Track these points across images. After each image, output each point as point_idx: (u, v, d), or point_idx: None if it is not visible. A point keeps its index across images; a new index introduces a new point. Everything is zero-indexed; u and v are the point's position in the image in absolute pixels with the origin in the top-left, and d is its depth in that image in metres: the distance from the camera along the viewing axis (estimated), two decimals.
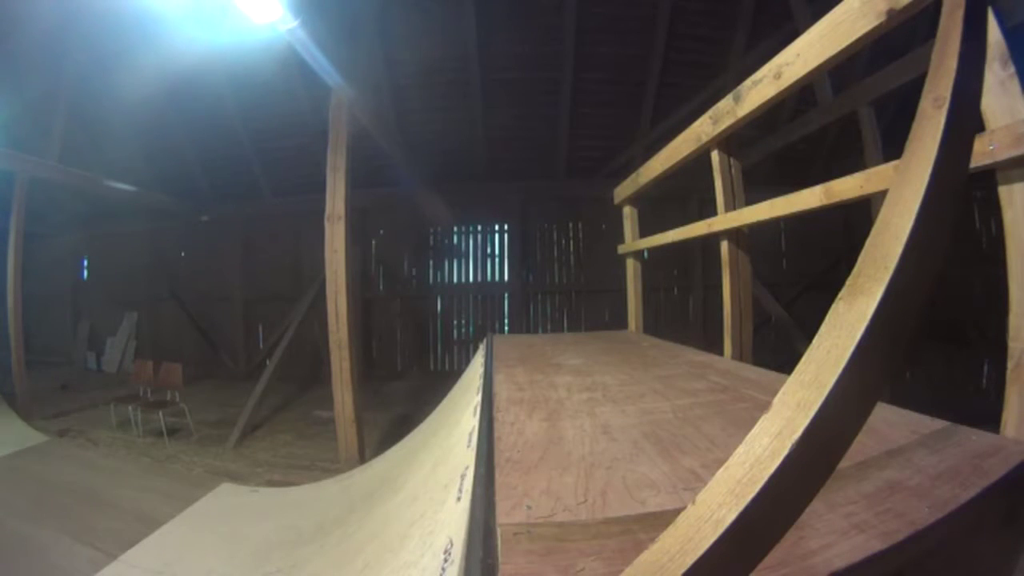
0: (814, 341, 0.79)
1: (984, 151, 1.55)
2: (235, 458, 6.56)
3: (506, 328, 10.65)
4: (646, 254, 5.78)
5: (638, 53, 8.87)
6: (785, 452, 0.68)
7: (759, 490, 0.67)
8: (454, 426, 2.98)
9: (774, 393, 0.78)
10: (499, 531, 1.17)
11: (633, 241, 5.40)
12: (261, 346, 11.29)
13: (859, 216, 5.84)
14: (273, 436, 7.37)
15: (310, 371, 10.00)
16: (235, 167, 10.51)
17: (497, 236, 10.81)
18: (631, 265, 5.55)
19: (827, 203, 2.49)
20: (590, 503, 1.29)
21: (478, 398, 2.54)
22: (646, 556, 0.76)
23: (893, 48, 6.00)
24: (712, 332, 8.95)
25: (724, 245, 3.56)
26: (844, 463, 0.78)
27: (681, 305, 10.75)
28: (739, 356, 3.51)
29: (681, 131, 3.86)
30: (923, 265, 0.80)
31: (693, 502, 0.75)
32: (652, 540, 0.77)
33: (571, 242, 10.86)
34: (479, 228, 10.86)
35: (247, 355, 11.37)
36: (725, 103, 3.14)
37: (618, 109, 9.63)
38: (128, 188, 9.77)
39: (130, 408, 7.41)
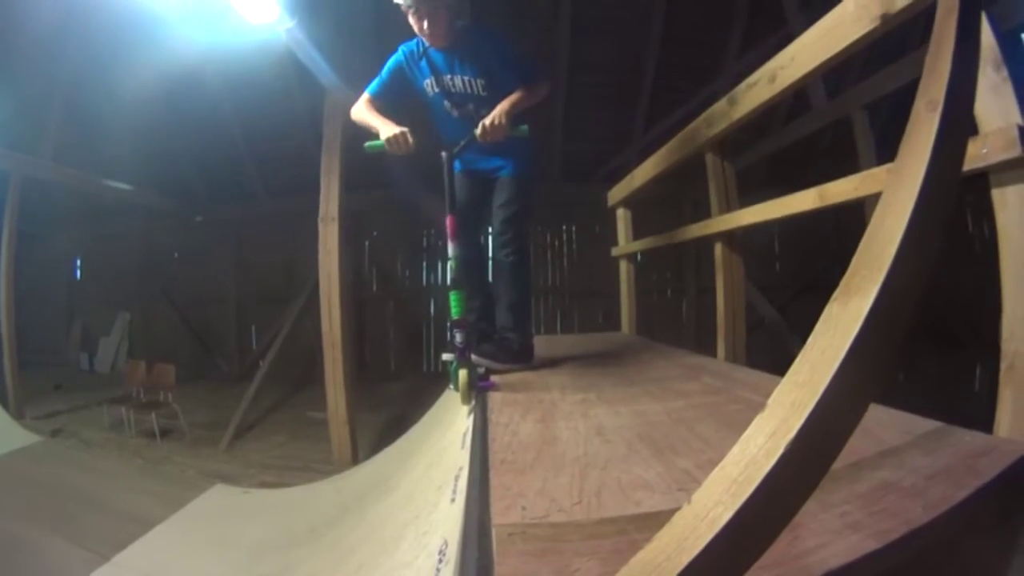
0: (808, 341, 0.80)
1: (977, 154, 1.55)
2: (228, 459, 6.54)
3: None
4: (639, 257, 5.79)
5: (633, 56, 8.88)
6: (780, 451, 0.69)
7: (754, 489, 0.68)
8: (448, 427, 2.98)
9: (767, 394, 0.79)
10: (494, 532, 1.17)
11: (627, 243, 5.41)
12: (254, 347, 11.24)
13: (852, 220, 5.87)
14: (266, 437, 7.35)
15: (303, 372, 9.94)
16: (230, 168, 10.46)
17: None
18: (625, 267, 5.55)
19: (821, 206, 2.50)
20: (585, 504, 1.29)
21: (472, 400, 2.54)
22: (642, 555, 0.76)
23: (887, 52, 6.03)
24: (705, 334, 8.95)
25: (717, 248, 3.57)
26: (838, 463, 0.79)
27: (674, 307, 10.76)
28: (732, 358, 3.52)
29: (675, 134, 3.88)
30: (917, 266, 0.81)
31: (688, 501, 0.75)
32: (647, 540, 0.77)
33: (564, 244, 10.86)
34: None
35: (240, 356, 11.31)
36: (720, 106, 3.15)
37: (612, 112, 9.64)
38: (122, 187, 9.73)
39: (123, 409, 7.38)
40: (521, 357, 3.20)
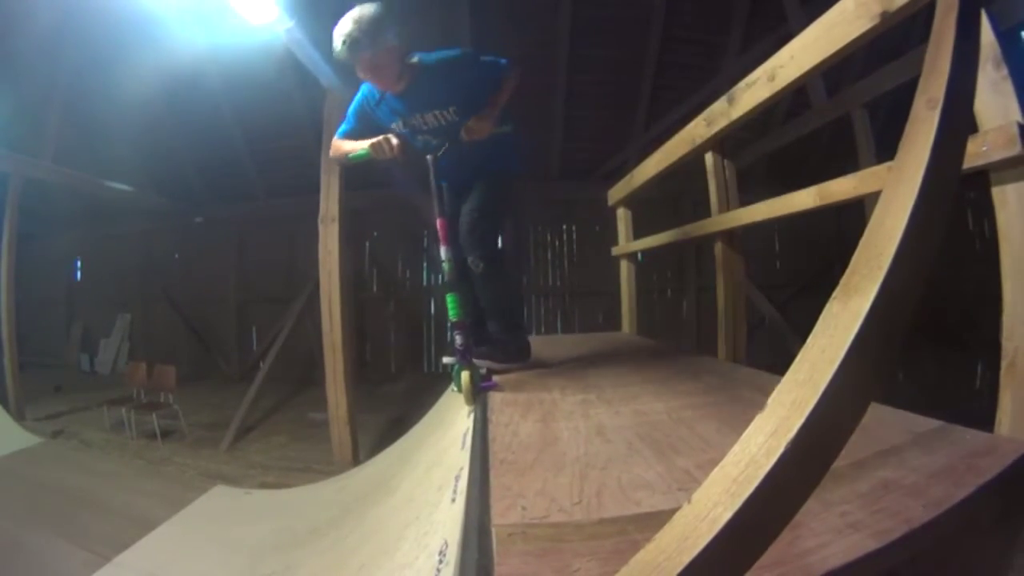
0: (808, 340, 0.80)
1: (977, 152, 1.55)
2: (229, 460, 6.54)
3: None
4: (640, 256, 5.77)
5: (632, 56, 8.87)
6: (780, 450, 0.69)
7: (755, 488, 0.68)
8: (448, 428, 2.98)
9: (768, 393, 0.78)
10: (494, 532, 1.17)
11: (627, 243, 5.40)
12: (255, 347, 11.24)
13: (852, 219, 5.90)
14: (267, 438, 7.34)
15: (304, 373, 9.94)
16: (230, 168, 10.47)
17: None
18: (625, 267, 5.55)
19: (820, 204, 2.49)
20: (585, 504, 1.29)
21: None
22: (642, 555, 0.76)
23: (887, 51, 6.02)
24: (706, 333, 8.97)
25: (718, 246, 3.57)
26: (839, 462, 0.79)
27: (675, 307, 10.74)
28: (733, 357, 3.52)
29: (675, 133, 3.87)
30: (917, 265, 0.81)
31: (689, 501, 0.75)
32: (647, 540, 0.77)
33: (565, 244, 10.86)
34: None
35: (241, 356, 11.32)
36: (719, 105, 3.14)
37: (612, 111, 9.62)
38: (123, 188, 9.73)
39: (123, 410, 7.38)
40: (518, 356, 3.20)
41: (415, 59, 2.84)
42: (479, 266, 3.04)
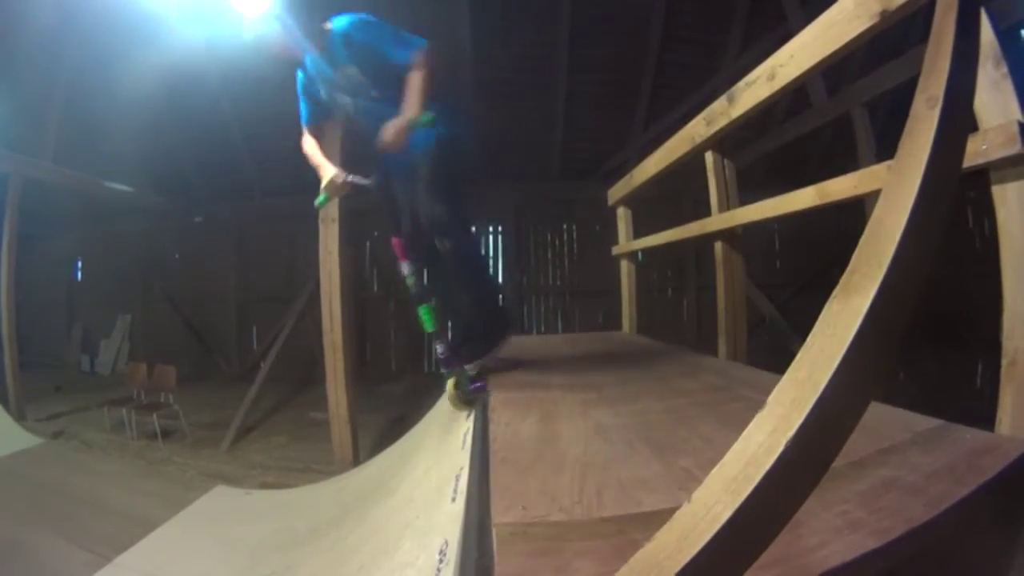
0: (808, 339, 0.79)
1: (977, 151, 1.55)
2: (229, 460, 6.54)
3: None
4: (641, 255, 5.77)
5: (632, 55, 8.88)
6: (780, 449, 0.69)
7: (754, 487, 0.68)
8: (449, 427, 2.97)
9: (768, 393, 0.78)
10: (494, 531, 1.17)
11: (627, 242, 5.40)
12: (255, 347, 11.24)
13: (852, 219, 5.94)
14: (267, 438, 7.35)
15: (304, 372, 9.94)
16: (229, 168, 10.47)
17: (491, 237, 10.79)
18: (625, 266, 5.54)
19: (820, 203, 2.49)
20: (585, 503, 1.29)
21: None
22: (642, 554, 0.76)
23: (886, 49, 6.02)
24: (706, 333, 8.96)
25: (718, 246, 3.56)
26: (839, 461, 0.78)
27: (675, 306, 10.75)
28: (733, 356, 3.52)
29: (675, 133, 3.86)
30: (916, 264, 0.80)
31: (689, 500, 0.75)
32: (647, 539, 0.77)
33: (565, 243, 10.86)
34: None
35: (241, 356, 11.32)
36: (719, 104, 3.14)
37: (612, 111, 9.64)
38: (123, 188, 9.72)
39: (124, 410, 7.39)
40: (502, 335, 3.16)
41: (327, 24, 2.86)
42: (446, 245, 2.95)
